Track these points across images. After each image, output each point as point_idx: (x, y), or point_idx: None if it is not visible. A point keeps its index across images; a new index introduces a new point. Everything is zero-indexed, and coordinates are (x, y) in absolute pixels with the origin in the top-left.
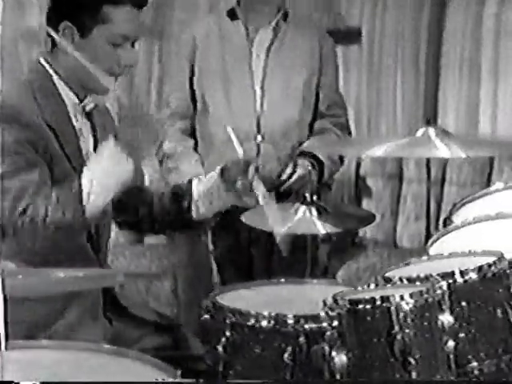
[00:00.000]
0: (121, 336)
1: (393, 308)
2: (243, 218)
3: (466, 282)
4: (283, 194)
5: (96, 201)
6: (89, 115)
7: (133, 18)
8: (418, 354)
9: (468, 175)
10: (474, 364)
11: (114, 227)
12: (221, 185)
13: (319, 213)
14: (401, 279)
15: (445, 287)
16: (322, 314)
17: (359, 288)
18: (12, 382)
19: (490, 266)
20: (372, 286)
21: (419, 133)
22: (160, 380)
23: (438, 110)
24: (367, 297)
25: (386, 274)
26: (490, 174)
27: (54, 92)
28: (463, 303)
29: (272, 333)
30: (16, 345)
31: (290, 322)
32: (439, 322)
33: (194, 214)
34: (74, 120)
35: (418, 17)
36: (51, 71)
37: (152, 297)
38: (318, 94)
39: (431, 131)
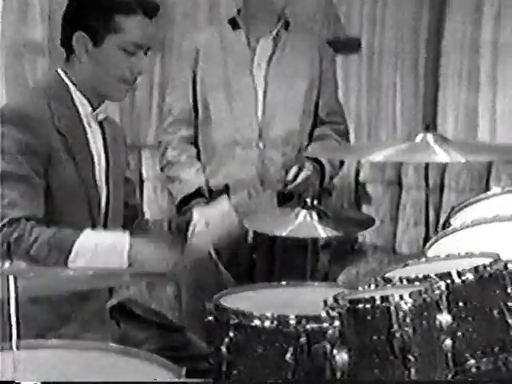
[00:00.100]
0: (128, 338)
1: (392, 307)
2: (245, 223)
3: (463, 282)
4: (286, 197)
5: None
6: (101, 124)
7: (145, 27)
8: (416, 352)
9: (466, 182)
10: (472, 362)
11: None
12: None
13: (320, 217)
14: (400, 279)
15: (443, 287)
16: (323, 314)
17: (359, 288)
18: (13, 382)
19: (486, 267)
20: (372, 286)
21: (418, 138)
22: (163, 380)
23: (437, 116)
24: (367, 296)
25: (386, 275)
26: (487, 181)
27: (69, 100)
28: (460, 303)
29: (274, 333)
30: (27, 344)
31: (292, 322)
32: (437, 321)
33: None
34: (87, 128)
35: (417, 25)
36: (67, 80)
37: (155, 302)
38: (317, 103)
39: (430, 137)
